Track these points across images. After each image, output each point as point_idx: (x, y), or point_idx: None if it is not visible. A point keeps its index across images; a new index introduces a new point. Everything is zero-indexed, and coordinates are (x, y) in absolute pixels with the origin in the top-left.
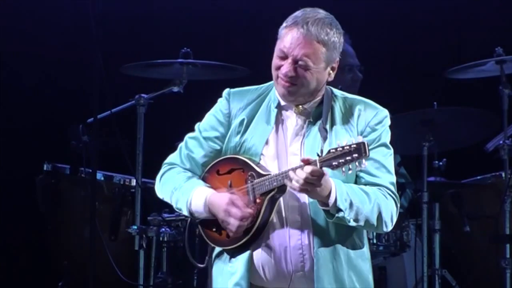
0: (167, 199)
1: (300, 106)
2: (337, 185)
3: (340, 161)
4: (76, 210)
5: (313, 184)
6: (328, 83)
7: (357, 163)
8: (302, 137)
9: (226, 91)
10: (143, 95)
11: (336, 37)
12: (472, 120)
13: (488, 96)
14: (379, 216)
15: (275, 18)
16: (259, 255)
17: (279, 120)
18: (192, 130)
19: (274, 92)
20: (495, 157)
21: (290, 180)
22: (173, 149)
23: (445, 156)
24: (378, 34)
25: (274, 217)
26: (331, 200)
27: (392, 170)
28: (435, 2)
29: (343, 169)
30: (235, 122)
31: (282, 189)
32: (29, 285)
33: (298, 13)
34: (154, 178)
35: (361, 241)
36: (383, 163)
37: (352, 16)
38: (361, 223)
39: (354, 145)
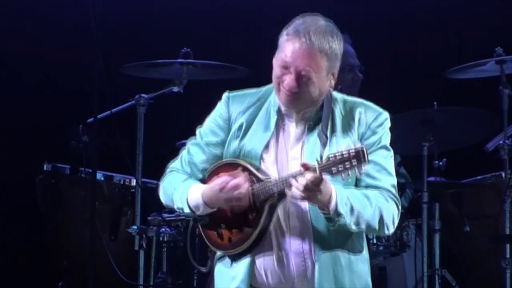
0: (169, 202)
1: (301, 112)
2: (337, 190)
3: (340, 167)
4: (76, 210)
5: (313, 190)
6: None
7: (356, 169)
8: (302, 142)
9: (225, 95)
10: (143, 95)
11: (337, 45)
12: (472, 120)
13: (488, 96)
14: (381, 220)
15: (275, 18)
16: (261, 260)
17: (279, 125)
18: (192, 130)
19: (274, 97)
20: (495, 157)
21: (290, 187)
22: (173, 149)
23: (445, 156)
24: (378, 34)
25: (275, 223)
26: (332, 206)
27: (393, 172)
28: (435, 2)
29: (343, 175)
30: (234, 127)
31: (282, 195)
32: (29, 285)
33: (298, 21)
34: (154, 178)
35: (361, 244)
36: (383, 166)
37: (352, 16)
38: (363, 227)
39: (353, 152)
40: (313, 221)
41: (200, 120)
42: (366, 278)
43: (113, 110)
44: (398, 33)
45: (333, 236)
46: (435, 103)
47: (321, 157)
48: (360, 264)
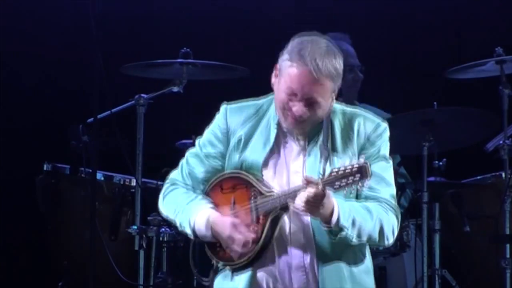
0: (170, 219)
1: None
2: (339, 204)
3: (342, 182)
4: (76, 210)
5: (315, 205)
6: None
7: (359, 185)
8: (304, 155)
9: (223, 107)
10: (143, 95)
11: (340, 64)
12: (472, 120)
13: (488, 96)
14: (381, 231)
15: (275, 18)
16: (263, 273)
17: (279, 139)
18: (192, 130)
19: (274, 110)
20: (495, 157)
21: (293, 201)
22: (173, 149)
23: (445, 156)
24: (378, 34)
25: (277, 236)
26: (334, 219)
27: (392, 182)
28: (435, 2)
29: (345, 190)
30: (233, 139)
31: (284, 208)
32: (29, 285)
33: (299, 45)
34: (154, 178)
35: (363, 254)
36: (383, 177)
37: (352, 16)
38: (364, 239)
39: (356, 167)
40: (316, 235)
41: (200, 120)
42: None
43: (113, 110)
44: (398, 33)
45: (336, 249)
46: (435, 103)
47: (323, 171)
48: (363, 276)
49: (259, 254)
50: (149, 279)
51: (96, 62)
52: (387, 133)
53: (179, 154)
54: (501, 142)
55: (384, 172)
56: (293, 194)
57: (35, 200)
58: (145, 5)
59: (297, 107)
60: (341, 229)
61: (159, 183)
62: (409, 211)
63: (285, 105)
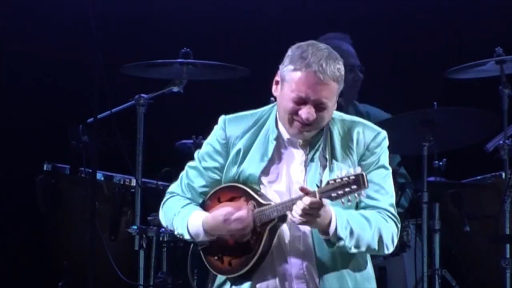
0: (169, 226)
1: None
2: (337, 214)
3: (339, 192)
4: (76, 210)
5: (312, 215)
6: None
7: (356, 194)
8: (305, 165)
9: (221, 119)
10: (143, 95)
11: (342, 68)
12: (472, 120)
13: (488, 96)
14: (380, 240)
15: (275, 18)
16: (262, 284)
17: (278, 150)
18: (192, 130)
19: (273, 122)
20: (495, 157)
21: (291, 211)
22: (173, 149)
23: (445, 156)
24: (378, 34)
25: (276, 246)
26: (332, 229)
27: (391, 191)
28: (435, 2)
29: (343, 200)
30: (232, 152)
31: (282, 219)
32: (29, 285)
33: (301, 52)
34: (154, 178)
35: (365, 261)
36: (382, 185)
37: (352, 16)
38: (363, 249)
39: (353, 177)
40: (315, 244)
41: (200, 120)
42: None
43: (113, 110)
44: (398, 33)
45: (337, 257)
46: (435, 103)
47: (320, 182)
48: (366, 284)
49: (258, 265)
50: (149, 279)
51: (96, 62)
52: (386, 142)
53: (179, 154)
54: (501, 142)
55: (383, 181)
56: (290, 204)
57: (35, 200)
58: (145, 5)
59: (304, 110)
60: (339, 239)
61: (159, 183)
62: (409, 211)
63: (292, 112)
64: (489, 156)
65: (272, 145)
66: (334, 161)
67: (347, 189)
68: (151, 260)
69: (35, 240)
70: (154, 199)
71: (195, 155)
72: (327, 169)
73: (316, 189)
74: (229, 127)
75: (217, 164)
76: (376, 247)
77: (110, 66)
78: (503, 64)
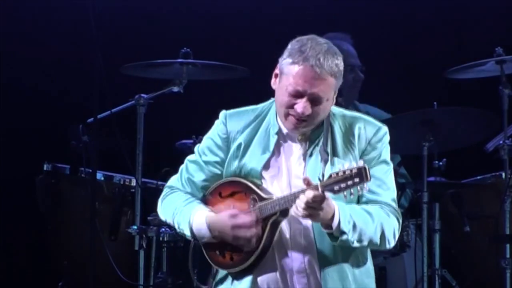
0: (169, 222)
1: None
2: (340, 208)
3: (342, 185)
4: (76, 210)
5: (315, 208)
6: None
7: (358, 188)
8: (304, 159)
9: (222, 114)
10: (143, 95)
11: (341, 63)
12: (472, 120)
13: (488, 96)
14: (382, 235)
15: (275, 18)
16: (263, 278)
17: (279, 144)
18: (192, 130)
19: (274, 116)
20: (495, 157)
21: (292, 205)
22: (173, 149)
23: (445, 156)
24: (378, 34)
25: (277, 240)
26: (335, 223)
27: (393, 186)
28: (435, 2)
29: (345, 193)
30: (233, 146)
31: (284, 212)
32: (29, 285)
33: (300, 46)
34: (154, 178)
35: (365, 257)
36: (384, 180)
37: (352, 16)
38: (365, 243)
39: (356, 170)
40: (317, 238)
41: (200, 120)
42: None
43: (113, 110)
44: (398, 33)
45: (338, 252)
46: (435, 103)
47: (323, 175)
48: (365, 279)
49: (259, 259)
50: (149, 279)
51: (96, 62)
52: (387, 137)
53: (179, 154)
54: (501, 142)
55: (385, 176)
56: (292, 198)
57: (35, 200)
58: (145, 5)
59: (300, 104)
60: (342, 233)
61: (159, 183)
62: (409, 211)
63: (288, 105)
64: (489, 156)
65: (273, 139)
66: (335, 155)
67: (349, 182)
68: (151, 260)
69: (35, 240)
70: (154, 199)
71: (195, 149)
72: (329, 163)
73: (318, 182)
74: (230, 121)
75: (217, 159)
76: (378, 242)
77: (110, 66)
78: (503, 64)
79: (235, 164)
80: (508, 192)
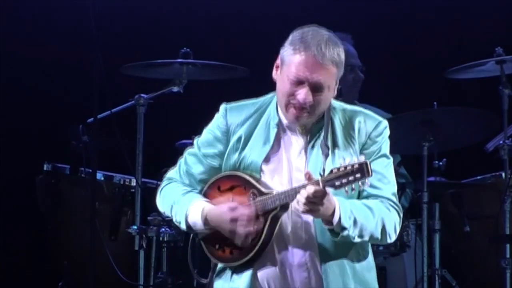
0: (167, 213)
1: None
2: (340, 203)
3: (343, 181)
4: (76, 210)
5: (316, 204)
6: None
7: (360, 183)
8: (306, 153)
9: (222, 106)
10: (143, 95)
11: (342, 53)
12: (472, 120)
13: (488, 96)
14: (383, 230)
15: (275, 18)
16: (263, 272)
17: (279, 137)
18: (192, 130)
19: (274, 109)
20: (495, 157)
21: (293, 200)
22: (173, 149)
23: (445, 156)
24: (378, 34)
25: (277, 235)
26: (335, 219)
27: (393, 180)
28: (435, 2)
29: (346, 188)
30: (233, 139)
31: (284, 207)
32: (29, 285)
33: (301, 35)
34: (154, 178)
35: (366, 251)
36: (384, 174)
37: (352, 16)
38: (366, 238)
39: (357, 165)
40: (318, 233)
41: (200, 120)
42: (374, 286)
43: (113, 110)
44: (398, 33)
45: (338, 246)
46: (435, 103)
47: (323, 171)
48: (365, 273)
49: (259, 253)
50: (149, 279)
51: (96, 62)
52: (387, 131)
53: (179, 154)
54: (501, 142)
55: (385, 170)
56: (293, 193)
57: (35, 200)
58: (145, 5)
59: (301, 92)
60: (342, 229)
61: (159, 183)
62: (409, 211)
63: (289, 96)
64: (489, 156)
65: (273, 131)
66: (336, 149)
67: (351, 178)
68: (151, 260)
69: (35, 240)
70: (154, 199)
71: (195, 142)
72: (329, 157)
73: (319, 177)
74: (230, 114)
75: (216, 151)
76: (379, 237)
77: (110, 66)
78: (503, 64)
79: (235, 157)
80: (508, 192)
